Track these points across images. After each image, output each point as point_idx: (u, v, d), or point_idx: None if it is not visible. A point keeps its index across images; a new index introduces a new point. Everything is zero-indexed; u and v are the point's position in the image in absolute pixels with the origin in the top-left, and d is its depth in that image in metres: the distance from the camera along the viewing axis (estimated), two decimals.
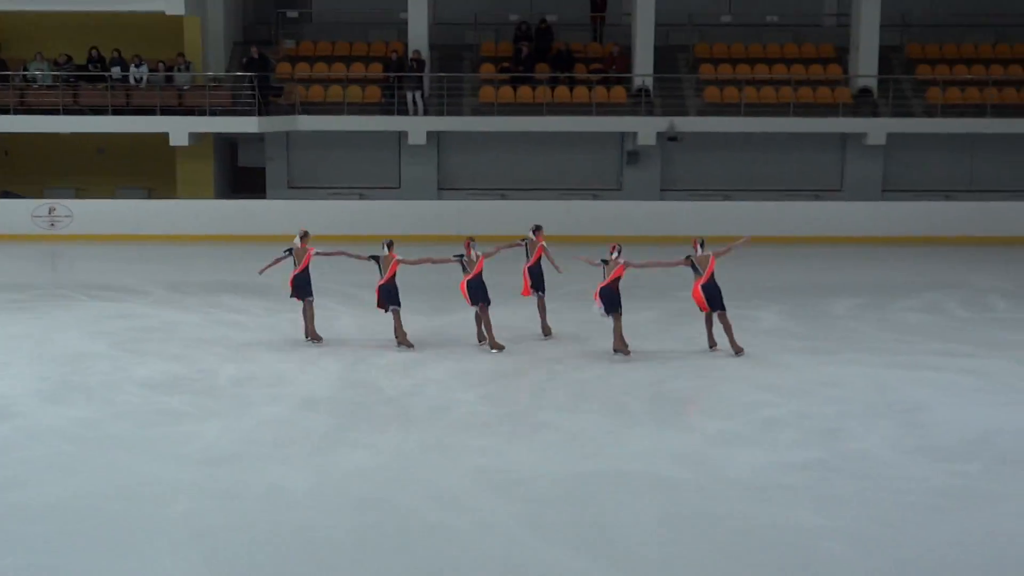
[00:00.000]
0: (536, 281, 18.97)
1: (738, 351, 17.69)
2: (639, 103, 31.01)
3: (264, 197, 31.36)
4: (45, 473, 12.73)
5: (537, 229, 19.09)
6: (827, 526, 11.45)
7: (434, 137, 30.99)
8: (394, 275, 18.00)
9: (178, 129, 29.80)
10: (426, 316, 20.28)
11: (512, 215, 29.03)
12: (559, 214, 29.22)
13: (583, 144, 31.39)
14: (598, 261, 17.57)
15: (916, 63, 32.39)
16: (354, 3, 33.18)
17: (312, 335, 18.45)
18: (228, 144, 32.59)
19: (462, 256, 18.12)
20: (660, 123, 30.43)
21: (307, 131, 30.78)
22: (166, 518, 11.50)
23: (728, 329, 17.70)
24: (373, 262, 18.18)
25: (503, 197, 30.58)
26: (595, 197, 30.79)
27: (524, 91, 31.15)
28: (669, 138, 30.49)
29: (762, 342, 18.57)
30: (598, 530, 11.40)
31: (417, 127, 30.56)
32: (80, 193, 31.43)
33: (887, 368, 17.14)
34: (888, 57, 32.10)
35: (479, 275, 17.97)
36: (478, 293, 17.97)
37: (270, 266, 18.76)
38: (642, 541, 11.14)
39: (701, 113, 31.03)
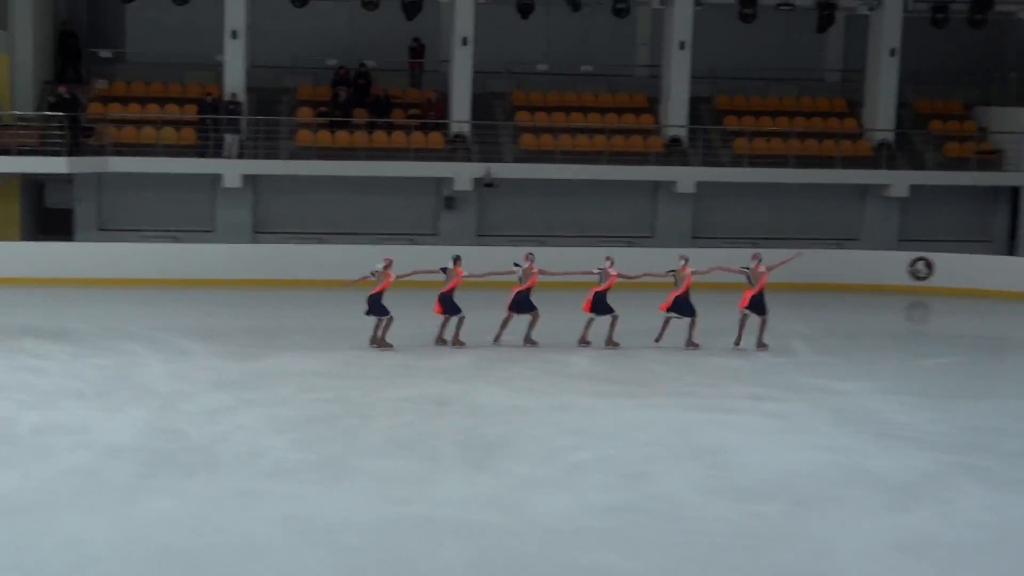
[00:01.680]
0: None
1: (763, 346, 21.37)
2: (456, 149, 31.29)
3: (72, 239, 30.59)
4: None
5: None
6: (634, 568, 11.67)
7: (251, 180, 30.72)
8: (453, 288, 21.04)
9: None
10: (238, 361, 20.05)
11: (328, 259, 28.97)
12: (375, 258, 29.13)
13: (401, 189, 31.48)
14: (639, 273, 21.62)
15: (724, 114, 33.42)
16: (169, 44, 32.75)
17: (381, 343, 20.84)
18: (35, 185, 31.73)
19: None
20: (477, 169, 30.73)
21: (119, 172, 30.18)
22: None
23: (763, 328, 21.35)
24: (442, 272, 21.34)
25: (320, 241, 30.45)
26: (412, 242, 30.89)
27: (342, 135, 31.15)
28: (485, 184, 30.82)
29: (572, 386, 18.86)
30: None
31: (232, 170, 30.25)
32: None
33: (692, 411, 17.56)
34: (698, 108, 33.05)
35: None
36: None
37: (356, 282, 21.70)
38: None
39: (517, 160, 31.44)
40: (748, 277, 21.21)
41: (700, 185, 31.49)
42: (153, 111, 31.38)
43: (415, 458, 15.05)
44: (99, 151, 30.01)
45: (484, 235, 31.54)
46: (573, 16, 32.10)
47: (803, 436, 16.50)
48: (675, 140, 31.98)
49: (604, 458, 15.24)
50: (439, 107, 32.02)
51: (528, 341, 21.40)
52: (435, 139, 31.36)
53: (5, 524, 12.31)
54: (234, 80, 31.04)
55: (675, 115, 32.06)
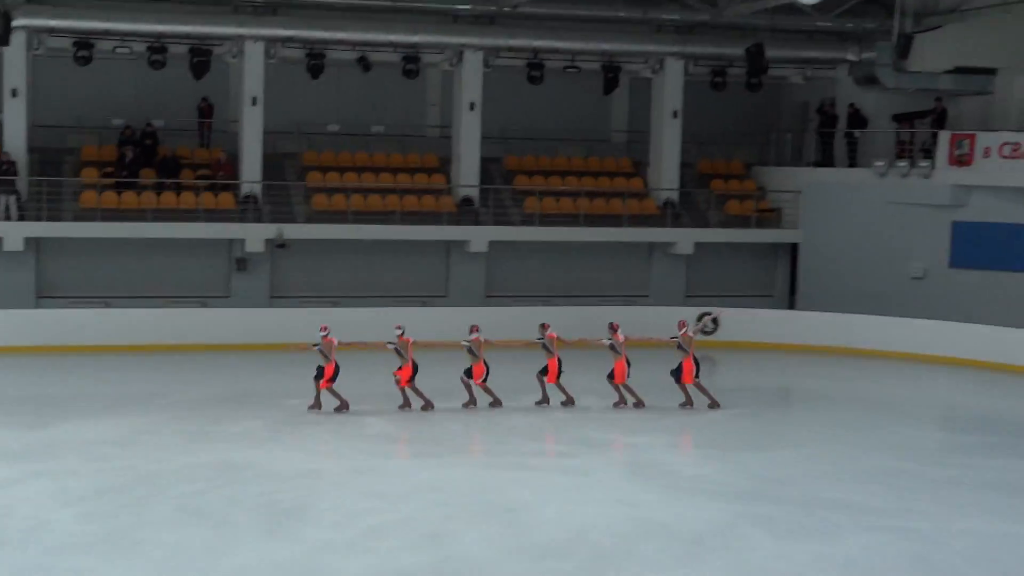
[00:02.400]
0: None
1: (714, 404, 21.86)
2: (247, 210, 30.98)
3: None
4: None
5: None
6: None
7: (33, 243, 29.79)
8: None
9: None
10: (22, 430, 19.38)
11: (119, 323, 28.28)
12: (168, 322, 28.68)
13: (191, 250, 30.96)
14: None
15: (514, 174, 33.95)
16: None
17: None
18: None
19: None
20: (268, 230, 30.47)
21: None
22: None
23: (704, 390, 21.92)
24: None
25: (107, 305, 29.65)
26: (203, 304, 30.38)
27: (129, 196, 30.51)
28: (278, 245, 30.57)
29: (369, 447, 18.80)
30: None
31: (13, 232, 29.29)
32: None
33: (488, 470, 17.71)
34: (488, 168, 33.49)
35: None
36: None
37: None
38: None
39: (310, 220, 31.31)
40: (679, 344, 21.84)
41: (492, 244, 31.87)
42: None
43: (209, 526, 14.79)
44: None
45: (277, 296, 31.24)
46: (363, 77, 32.21)
47: (598, 491, 16.79)
48: (467, 200, 32.33)
49: (402, 520, 15.22)
50: (229, 167, 31.67)
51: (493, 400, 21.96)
52: (225, 200, 31.00)
53: None
54: (14, 139, 30.13)
55: (466, 175, 32.43)
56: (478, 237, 31.72)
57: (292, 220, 31.17)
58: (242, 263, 30.92)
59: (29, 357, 26.34)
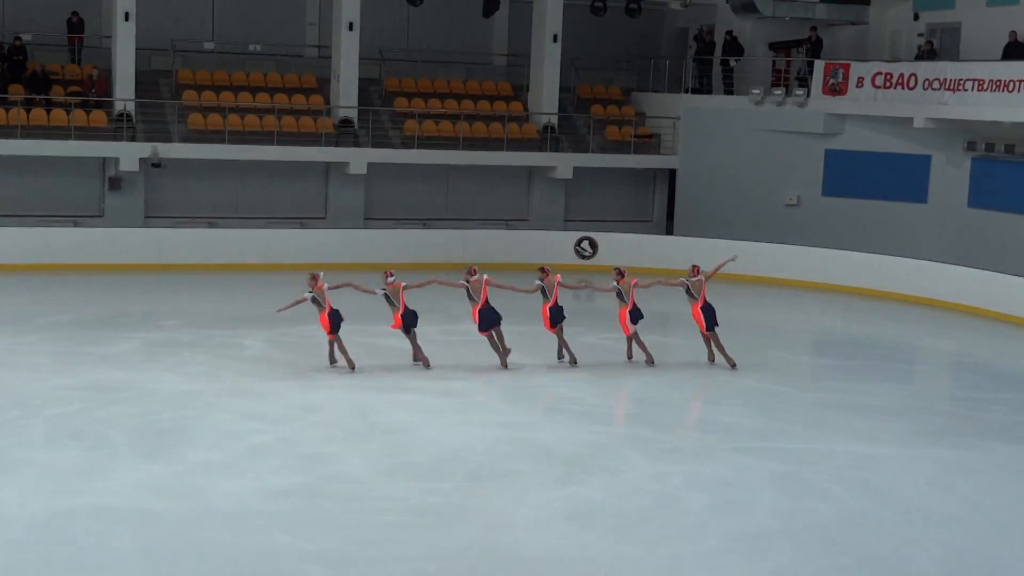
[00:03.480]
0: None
1: (732, 364, 19.75)
2: (121, 128, 30.30)
3: None
4: None
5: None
6: (309, 549, 11.74)
7: None
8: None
9: None
10: None
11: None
12: (37, 241, 28.05)
13: (63, 169, 30.21)
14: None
15: (394, 96, 33.67)
16: None
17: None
18: None
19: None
20: (143, 149, 29.86)
21: None
22: None
23: (720, 346, 19.80)
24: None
25: None
26: (76, 224, 29.76)
27: None
28: (152, 164, 30.00)
29: (247, 369, 18.69)
30: (79, 569, 11.14)
31: None
32: None
33: (368, 392, 17.74)
34: (367, 89, 33.16)
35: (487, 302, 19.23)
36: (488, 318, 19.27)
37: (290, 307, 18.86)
38: None
39: (185, 140, 30.74)
40: (688, 289, 19.72)
41: (371, 166, 31.63)
42: None
43: (84, 448, 14.64)
44: None
45: (152, 216, 30.70)
46: None
47: (477, 414, 16.96)
48: (346, 121, 32.02)
49: (281, 441, 15.23)
50: (102, 84, 30.91)
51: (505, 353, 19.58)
52: (98, 117, 30.28)
53: None
54: None
55: (345, 96, 32.07)
56: (357, 159, 31.46)
57: (168, 139, 30.57)
58: (115, 182, 30.29)
59: None
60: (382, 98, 33.67)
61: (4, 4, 31.71)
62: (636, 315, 19.72)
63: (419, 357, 19.26)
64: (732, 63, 33.46)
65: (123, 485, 13.32)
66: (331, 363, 18.97)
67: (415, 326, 19.22)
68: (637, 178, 34.35)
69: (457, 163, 32.40)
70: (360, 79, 32.21)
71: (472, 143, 32.60)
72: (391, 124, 32.95)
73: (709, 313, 19.78)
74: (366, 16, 31.93)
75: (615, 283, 19.66)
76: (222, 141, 30.64)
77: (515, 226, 32.72)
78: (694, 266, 20.11)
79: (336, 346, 18.85)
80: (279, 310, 19.03)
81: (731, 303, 26.05)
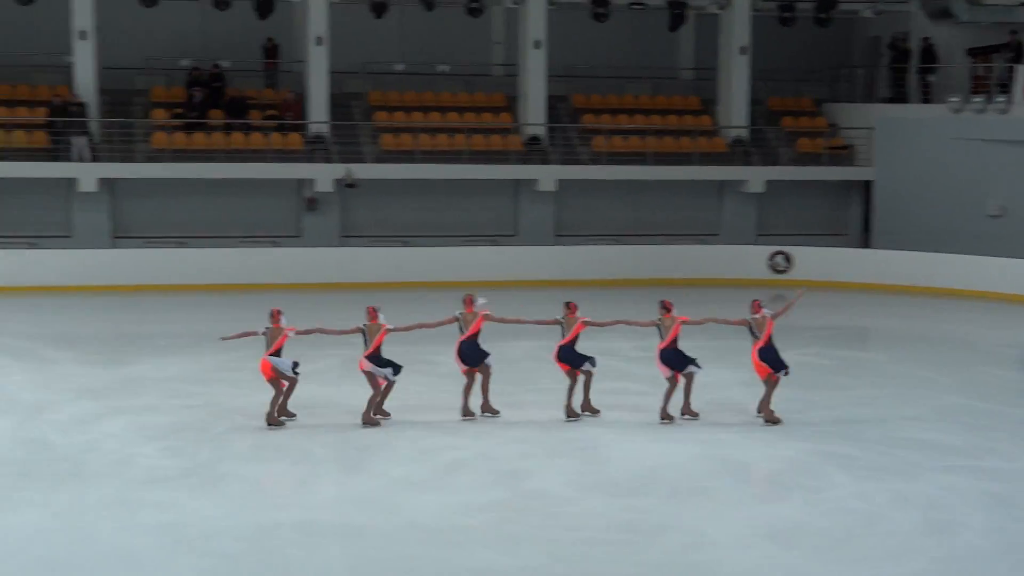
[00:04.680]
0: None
1: (774, 420, 16.95)
2: (315, 150, 31.05)
3: None
4: None
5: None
6: (512, 565, 11.76)
7: (107, 184, 30.07)
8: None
9: None
10: (103, 368, 19.64)
11: (191, 263, 28.61)
12: (237, 261, 28.93)
13: (261, 191, 31.13)
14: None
15: (582, 112, 33.75)
16: (16, 45, 31.86)
17: (282, 411, 16.56)
18: None
19: (459, 315, 16.89)
20: (337, 170, 30.54)
21: None
22: None
23: (769, 394, 17.01)
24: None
25: (181, 245, 29.94)
26: (275, 244, 30.59)
27: (198, 137, 30.69)
28: (346, 185, 30.63)
29: (441, 385, 18.83)
30: None
31: (87, 174, 29.58)
32: None
33: (562, 408, 17.66)
34: (555, 106, 33.31)
35: (474, 336, 16.85)
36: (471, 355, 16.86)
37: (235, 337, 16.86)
38: None
39: (378, 160, 31.33)
40: (751, 328, 17.18)
41: (561, 183, 31.75)
42: (2, 114, 30.53)
43: (288, 462, 14.95)
44: None
45: (348, 236, 31.38)
46: (427, 15, 32.14)
47: (673, 430, 16.75)
48: (534, 139, 32.20)
49: (478, 456, 15.30)
50: (296, 108, 31.75)
51: (487, 408, 17.17)
52: (294, 140, 31.10)
53: None
54: (84, 81, 30.36)
55: (533, 114, 32.28)
56: (546, 176, 31.61)
57: (360, 160, 31.21)
58: (312, 203, 31.04)
59: (106, 296, 26.66)
60: (570, 115, 33.77)
61: (203, 33, 32.78)
62: (675, 356, 17.01)
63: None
64: (929, 71, 32.61)
65: (327, 499, 13.56)
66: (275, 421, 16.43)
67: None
68: (831, 191, 33.68)
69: (646, 178, 32.27)
70: (548, 96, 32.36)
71: (661, 158, 32.43)
72: (579, 141, 33.01)
73: (771, 356, 17.03)
74: (552, 33, 32.12)
75: (660, 318, 17.02)
76: (413, 160, 31.13)
77: (706, 241, 32.41)
78: (755, 301, 17.42)
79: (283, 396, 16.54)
80: (223, 338, 17.07)
81: (933, 317, 25.34)
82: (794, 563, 12.03)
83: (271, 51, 32.98)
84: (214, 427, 16.36)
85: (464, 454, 15.36)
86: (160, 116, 31.22)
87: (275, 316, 16.42)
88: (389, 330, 16.44)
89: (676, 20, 33.22)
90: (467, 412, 17.03)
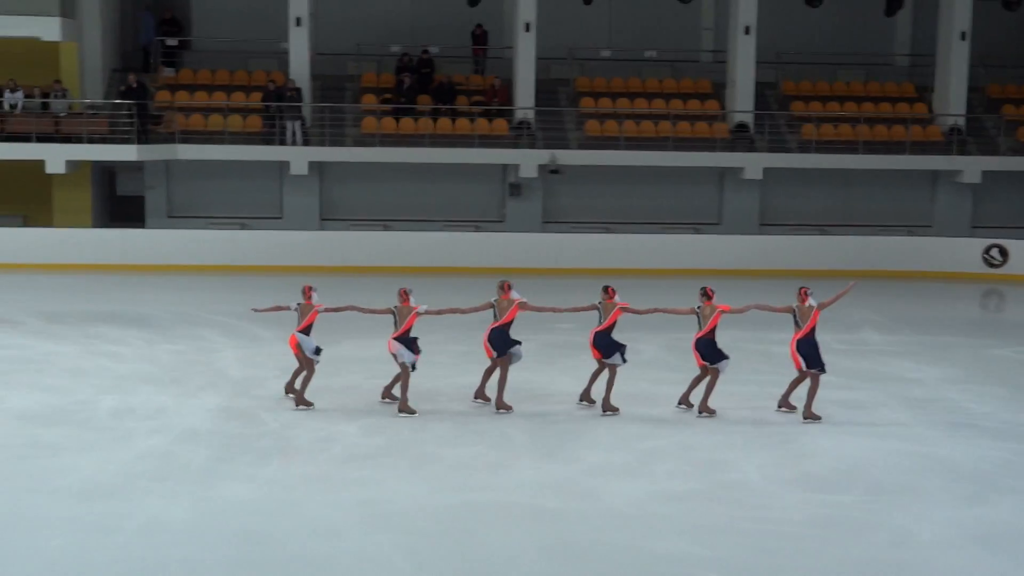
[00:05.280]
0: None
1: (813, 418, 16.29)
2: (520, 135, 31.24)
3: (143, 226, 30.90)
4: None
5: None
6: (707, 556, 11.61)
7: (316, 167, 30.86)
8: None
9: (55, 156, 29.29)
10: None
11: (395, 245, 29.14)
12: (443, 245, 29.34)
13: (466, 176, 31.51)
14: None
15: (791, 99, 33.12)
16: (234, 32, 32.95)
17: (297, 395, 16.62)
18: (106, 172, 32.09)
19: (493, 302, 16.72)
20: (541, 156, 30.67)
21: (187, 160, 30.45)
22: (43, 552, 11.28)
23: (812, 392, 16.29)
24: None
25: (386, 228, 30.56)
26: (477, 229, 30.91)
27: (406, 122, 31.20)
28: (551, 171, 30.74)
29: (643, 374, 18.73)
30: (479, 562, 11.43)
31: (299, 157, 30.42)
32: None
33: (765, 400, 17.41)
34: (764, 93, 32.78)
35: (507, 324, 16.58)
36: (501, 344, 16.58)
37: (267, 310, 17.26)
38: (524, 573, 11.19)
39: (582, 146, 31.34)
40: (795, 316, 16.37)
41: (767, 171, 31.26)
42: (219, 99, 31.59)
43: (486, 445, 15.07)
44: (167, 139, 30.27)
45: (550, 221, 31.50)
46: (636, 1, 31.94)
47: (877, 425, 16.32)
48: (741, 126, 31.76)
49: (677, 445, 15.17)
50: (503, 93, 31.99)
51: (501, 405, 16.65)
52: (499, 126, 31.33)
53: (88, 507, 12.48)
54: (298, 67, 31.16)
55: (741, 101, 31.82)
56: (753, 164, 31.16)
57: (565, 146, 31.27)
58: (515, 188, 31.25)
59: (314, 276, 27.17)
60: (778, 102, 33.19)
61: (413, 20, 33.29)
62: (710, 347, 16.50)
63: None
64: None
65: (524, 483, 13.61)
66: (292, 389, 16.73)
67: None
68: None
69: (857, 167, 31.50)
70: (756, 83, 31.87)
71: (872, 147, 31.63)
72: (787, 128, 32.42)
73: (808, 350, 16.26)
74: (763, 19, 31.59)
75: (699, 305, 16.52)
76: (618, 147, 31.03)
77: (917, 232, 31.47)
78: (802, 288, 16.45)
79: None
80: (255, 310, 17.62)
81: None
82: (1004, 568, 11.58)
83: (479, 37, 33.29)
84: (419, 408, 16.54)
85: (663, 443, 15.25)
86: (370, 101, 31.85)
87: (306, 292, 16.61)
88: (420, 313, 16.36)
89: (893, 4, 32.37)
90: (481, 395, 16.94)
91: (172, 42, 32.67)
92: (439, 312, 16.97)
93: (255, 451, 14.56)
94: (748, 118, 31.87)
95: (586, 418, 16.37)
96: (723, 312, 16.50)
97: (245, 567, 11.11)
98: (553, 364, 19.41)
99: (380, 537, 11.84)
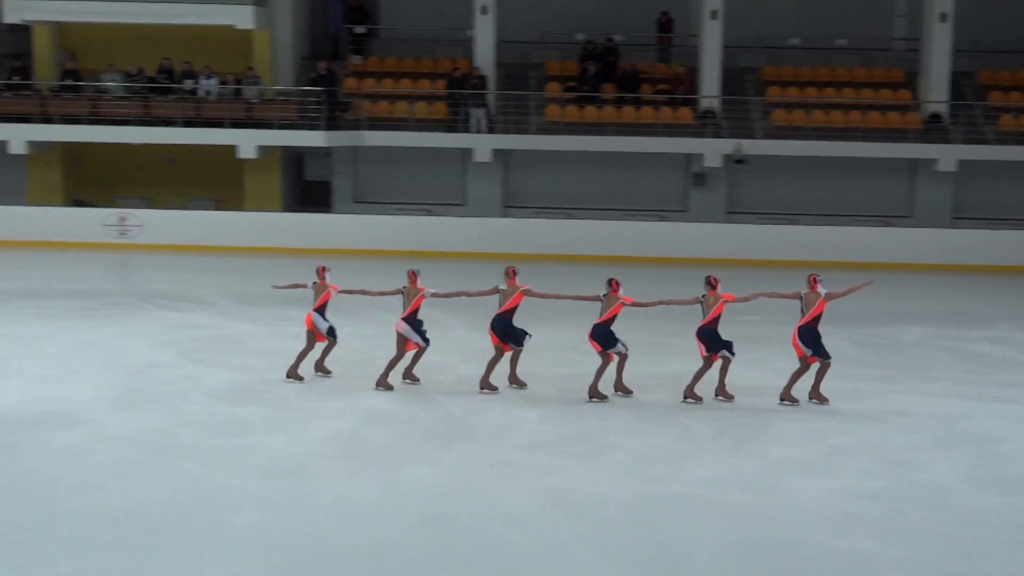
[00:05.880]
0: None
1: (822, 400, 16.36)
2: (706, 125, 30.91)
3: (330, 211, 31.53)
4: (115, 479, 12.86)
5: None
6: (895, 556, 11.31)
7: (500, 155, 31.04)
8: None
9: (246, 142, 30.09)
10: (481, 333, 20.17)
11: (577, 234, 29.13)
12: (625, 235, 29.21)
13: (649, 165, 31.31)
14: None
15: (988, 89, 32.05)
16: (421, 20, 33.35)
17: (319, 367, 17.45)
18: (295, 157, 32.82)
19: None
20: (727, 145, 30.29)
21: (373, 146, 30.94)
22: (233, 528, 11.57)
23: (820, 376, 16.30)
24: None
25: (569, 216, 30.59)
26: (661, 218, 30.71)
27: (590, 110, 31.15)
28: (736, 160, 30.35)
29: (832, 370, 18.31)
30: (662, 553, 11.35)
31: (482, 144, 30.63)
32: (150, 203, 31.74)
33: (956, 399, 16.92)
34: (959, 83, 31.78)
35: (510, 311, 16.60)
36: (503, 330, 16.59)
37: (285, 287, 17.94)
38: (707, 566, 11.07)
39: (768, 136, 30.86)
40: (801, 303, 16.13)
41: (962, 164, 30.31)
42: (405, 86, 32.00)
43: (668, 437, 14.94)
44: (355, 125, 30.79)
45: (733, 211, 31.11)
46: None
47: None
48: (935, 116, 30.84)
49: (865, 443, 14.82)
50: (688, 82, 31.68)
51: (515, 380, 16.93)
52: (684, 115, 31.05)
53: (279, 484, 12.78)
54: (483, 55, 31.37)
55: (936, 90, 30.91)
56: (947, 156, 30.24)
57: (751, 136, 30.84)
58: (699, 178, 30.94)
59: (496, 263, 27.38)
60: (975, 92, 32.14)
61: (598, 7, 33.20)
62: (712, 336, 16.20)
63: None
64: None
65: (707, 476, 13.46)
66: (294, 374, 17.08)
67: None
68: None
69: None
70: (952, 72, 30.92)
71: None
72: (984, 120, 31.37)
73: (809, 338, 16.03)
74: (960, 5, 30.60)
75: (704, 294, 16.27)
76: (805, 137, 30.47)
77: None
78: (811, 276, 16.27)
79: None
80: (275, 287, 18.21)
81: None
82: None
83: (665, 25, 33.04)
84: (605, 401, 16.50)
85: (848, 439, 14.92)
86: (554, 89, 31.88)
87: (320, 273, 17.23)
88: (427, 296, 16.60)
89: None
90: (487, 386, 16.69)
91: (360, 30, 33.21)
92: (447, 295, 17.13)
93: (439, 435, 14.71)
94: (943, 108, 30.94)
95: (771, 413, 16.09)
96: (726, 302, 16.29)
97: (427, 549, 11.22)
98: (740, 356, 19.06)
99: (562, 524, 11.84)
